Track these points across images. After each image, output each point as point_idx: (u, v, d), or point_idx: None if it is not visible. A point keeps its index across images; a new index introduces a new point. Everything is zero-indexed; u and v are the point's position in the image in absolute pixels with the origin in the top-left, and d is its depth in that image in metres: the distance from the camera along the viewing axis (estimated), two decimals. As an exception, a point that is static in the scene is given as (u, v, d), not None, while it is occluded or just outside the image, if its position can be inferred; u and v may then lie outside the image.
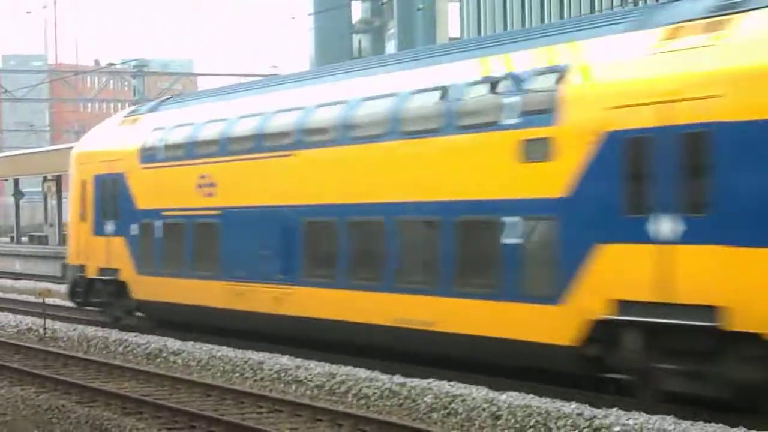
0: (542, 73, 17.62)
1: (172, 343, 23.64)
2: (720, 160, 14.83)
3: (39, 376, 20.69)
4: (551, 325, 16.96)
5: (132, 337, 24.97)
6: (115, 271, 27.72)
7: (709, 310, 14.82)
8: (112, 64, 78.23)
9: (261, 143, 23.37)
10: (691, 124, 15.14)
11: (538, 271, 17.30)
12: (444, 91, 19.35)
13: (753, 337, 14.43)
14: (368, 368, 19.46)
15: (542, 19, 58.68)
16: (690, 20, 15.85)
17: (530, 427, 15.28)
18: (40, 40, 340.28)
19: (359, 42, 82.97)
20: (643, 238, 15.66)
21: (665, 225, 15.42)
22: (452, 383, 17.74)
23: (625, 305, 15.90)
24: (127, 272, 27.31)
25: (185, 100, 28.28)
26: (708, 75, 15.11)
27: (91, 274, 28.68)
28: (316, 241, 21.88)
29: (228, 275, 24.05)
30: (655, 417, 14.77)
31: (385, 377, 18.62)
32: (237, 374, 20.71)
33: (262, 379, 20.11)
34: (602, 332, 16.31)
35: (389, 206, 20.09)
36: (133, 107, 30.94)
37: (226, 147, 24.38)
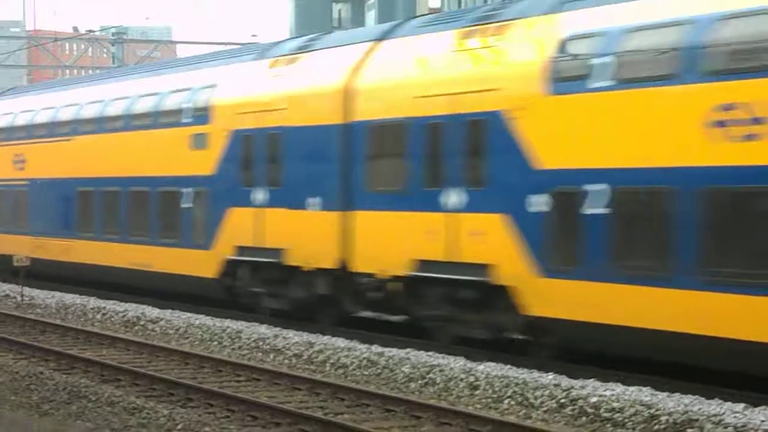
0: (203, 87, 24.98)
1: (150, 311, 24.68)
2: (285, 152, 22.22)
3: (16, 343, 20.70)
4: (206, 264, 24.34)
5: (110, 304, 26.09)
6: (-38, 228, 35.11)
7: (277, 251, 22.21)
8: (91, 31, 78.59)
9: (53, 130, 30.73)
10: (269, 128, 22.51)
11: (200, 226, 24.71)
12: (154, 96, 26.67)
13: (297, 269, 21.84)
14: (347, 338, 20.07)
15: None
16: (284, 55, 23.22)
17: (507, 398, 15.41)
18: (18, 7, 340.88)
19: (339, 12, 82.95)
20: (250, 203, 23.05)
21: (260, 195, 22.79)
22: (430, 353, 18.22)
23: (242, 249, 23.30)
24: (-30, 230, 34.72)
25: (16, 93, 35.63)
26: (279, 94, 22.45)
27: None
28: (84, 205, 29.24)
29: (33, 231, 31.45)
30: (632, 388, 15.12)
31: (363, 347, 18.98)
32: (215, 343, 21.02)
33: (240, 347, 20.38)
34: (231, 268, 23.73)
35: (124, 180, 27.47)
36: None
37: (32, 132, 31.73)
